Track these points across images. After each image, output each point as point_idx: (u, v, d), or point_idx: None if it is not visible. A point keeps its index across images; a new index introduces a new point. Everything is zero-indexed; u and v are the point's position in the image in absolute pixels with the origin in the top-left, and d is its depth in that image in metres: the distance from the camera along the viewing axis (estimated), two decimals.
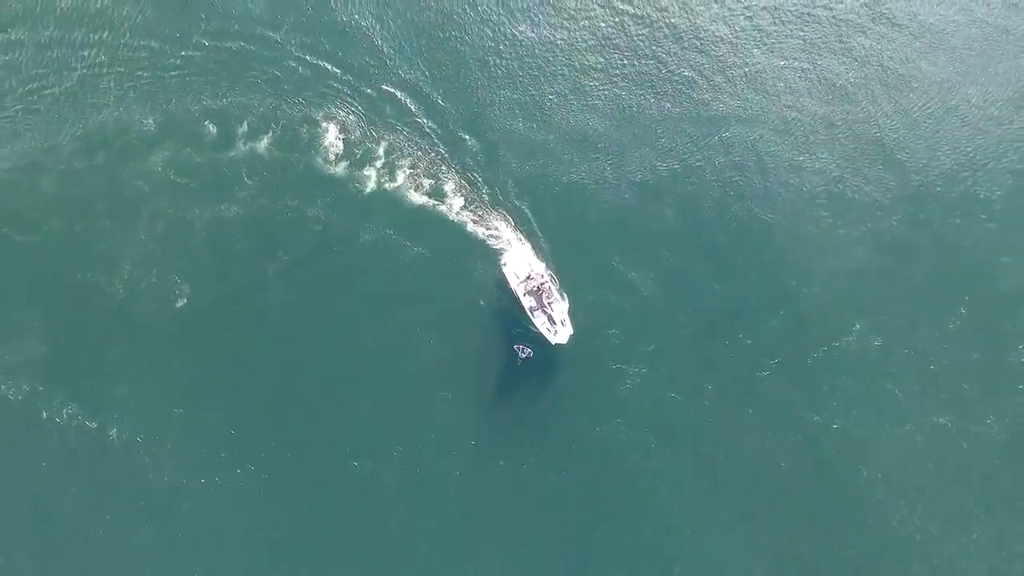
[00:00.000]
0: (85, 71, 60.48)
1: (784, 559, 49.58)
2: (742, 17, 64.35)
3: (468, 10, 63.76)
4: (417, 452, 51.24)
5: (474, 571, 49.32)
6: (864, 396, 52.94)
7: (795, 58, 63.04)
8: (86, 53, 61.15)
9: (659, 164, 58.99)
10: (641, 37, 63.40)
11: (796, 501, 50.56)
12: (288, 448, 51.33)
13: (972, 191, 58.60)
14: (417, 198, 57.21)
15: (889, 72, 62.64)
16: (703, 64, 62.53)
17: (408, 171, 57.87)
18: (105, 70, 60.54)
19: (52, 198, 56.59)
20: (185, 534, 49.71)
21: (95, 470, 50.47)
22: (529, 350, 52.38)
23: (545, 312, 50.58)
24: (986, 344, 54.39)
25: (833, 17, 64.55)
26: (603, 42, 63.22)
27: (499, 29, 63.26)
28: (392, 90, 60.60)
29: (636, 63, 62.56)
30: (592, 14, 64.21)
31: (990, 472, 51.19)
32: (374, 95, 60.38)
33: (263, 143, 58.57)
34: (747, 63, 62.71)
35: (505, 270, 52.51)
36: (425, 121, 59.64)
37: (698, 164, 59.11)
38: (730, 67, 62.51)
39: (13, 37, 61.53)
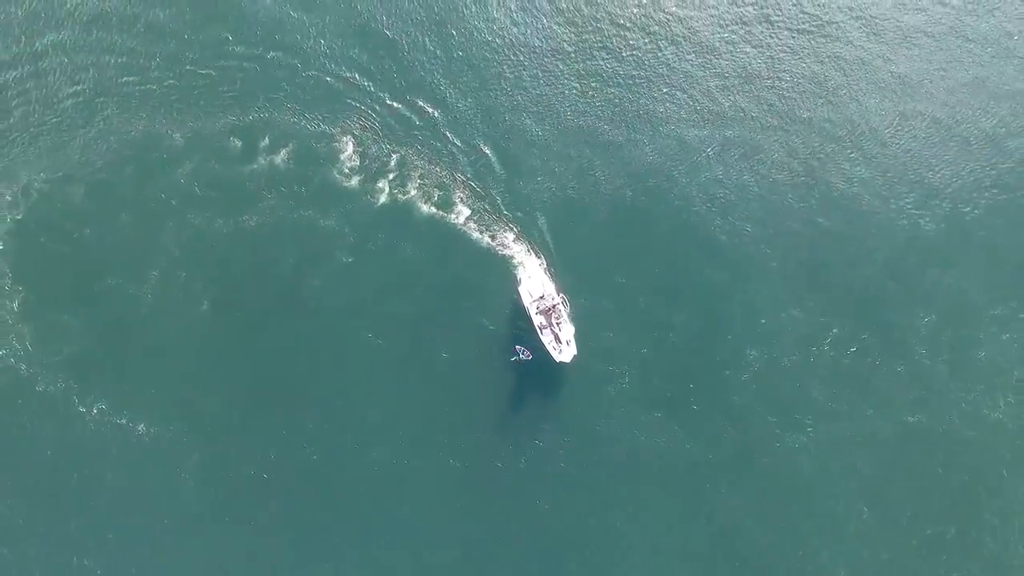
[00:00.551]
0: (118, 87, 64.00)
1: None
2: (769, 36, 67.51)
3: (482, 28, 66.87)
4: (418, 449, 53.89)
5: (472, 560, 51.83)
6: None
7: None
8: (118, 70, 64.78)
9: (665, 175, 62.02)
10: (651, 53, 66.35)
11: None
12: (301, 442, 54.07)
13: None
14: (427, 208, 60.06)
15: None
16: (705, 79, 65.42)
17: (419, 183, 60.74)
18: (137, 87, 64.06)
19: (85, 209, 59.93)
20: (206, 523, 52.33)
21: (124, 461, 53.28)
22: (528, 353, 55.18)
23: (553, 331, 53.83)
24: None
25: (822, 31, 67.16)
26: (610, 58, 66.15)
27: (509, 45, 66.37)
28: (405, 104, 63.86)
29: (642, 76, 65.40)
30: (599, 32, 67.09)
31: None
32: (388, 110, 63.51)
33: (282, 156, 61.64)
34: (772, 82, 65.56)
35: (520, 288, 55.91)
36: (436, 135, 62.74)
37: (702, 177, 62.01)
38: (739, 85, 65.33)
39: (47, 53, 65.14)
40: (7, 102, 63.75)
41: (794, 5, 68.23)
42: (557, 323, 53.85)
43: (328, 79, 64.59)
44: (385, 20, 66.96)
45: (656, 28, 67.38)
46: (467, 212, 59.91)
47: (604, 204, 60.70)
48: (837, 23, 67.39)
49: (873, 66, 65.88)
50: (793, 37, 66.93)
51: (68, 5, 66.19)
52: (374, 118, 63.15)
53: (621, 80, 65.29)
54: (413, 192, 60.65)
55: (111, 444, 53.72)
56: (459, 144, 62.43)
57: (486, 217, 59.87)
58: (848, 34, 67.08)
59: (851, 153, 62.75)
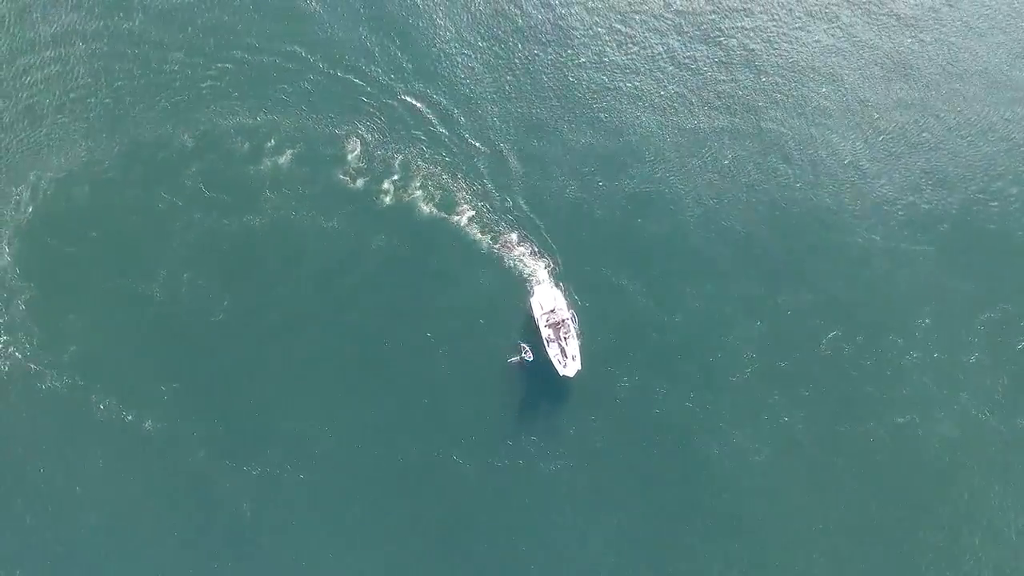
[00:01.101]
0: (126, 85, 64.89)
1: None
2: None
3: (484, 31, 67.91)
4: (419, 449, 54.52)
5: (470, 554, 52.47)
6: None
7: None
8: (127, 68, 65.72)
9: (670, 177, 62.74)
10: (656, 54, 67.41)
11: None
12: (304, 439, 54.65)
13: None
14: (431, 210, 60.72)
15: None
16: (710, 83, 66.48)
17: (425, 184, 61.43)
18: (145, 84, 64.98)
19: (92, 208, 60.57)
20: (215, 521, 52.95)
21: (132, 457, 53.88)
22: (530, 353, 55.87)
23: (560, 345, 54.74)
24: None
25: (818, 42, 68.31)
26: (614, 62, 67.18)
27: (515, 49, 67.34)
28: (411, 105, 64.55)
29: (647, 81, 66.31)
30: (605, 35, 68.21)
31: None
32: (394, 111, 64.23)
33: (288, 158, 62.31)
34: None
35: (532, 299, 56.89)
36: (442, 136, 63.47)
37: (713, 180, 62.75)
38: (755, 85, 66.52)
39: (54, 51, 66.07)
40: (13, 100, 64.45)
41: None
42: (564, 338, 54.86)
43: (337, 78, 65.41)
44: (393, 17, 67.99)
45: (656, 22, 68.58)
46: (471, 213, 60.63)
47: (608, 203, 61.44)
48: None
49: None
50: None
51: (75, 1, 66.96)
52: (381, 118, 63.91)
53: (634, 78, 66.44)
54: (418, 193, 61.37)
55: (118, 441, 54.22)
56: (465, 145, 63.19)
57: (490, 218, 60.59)
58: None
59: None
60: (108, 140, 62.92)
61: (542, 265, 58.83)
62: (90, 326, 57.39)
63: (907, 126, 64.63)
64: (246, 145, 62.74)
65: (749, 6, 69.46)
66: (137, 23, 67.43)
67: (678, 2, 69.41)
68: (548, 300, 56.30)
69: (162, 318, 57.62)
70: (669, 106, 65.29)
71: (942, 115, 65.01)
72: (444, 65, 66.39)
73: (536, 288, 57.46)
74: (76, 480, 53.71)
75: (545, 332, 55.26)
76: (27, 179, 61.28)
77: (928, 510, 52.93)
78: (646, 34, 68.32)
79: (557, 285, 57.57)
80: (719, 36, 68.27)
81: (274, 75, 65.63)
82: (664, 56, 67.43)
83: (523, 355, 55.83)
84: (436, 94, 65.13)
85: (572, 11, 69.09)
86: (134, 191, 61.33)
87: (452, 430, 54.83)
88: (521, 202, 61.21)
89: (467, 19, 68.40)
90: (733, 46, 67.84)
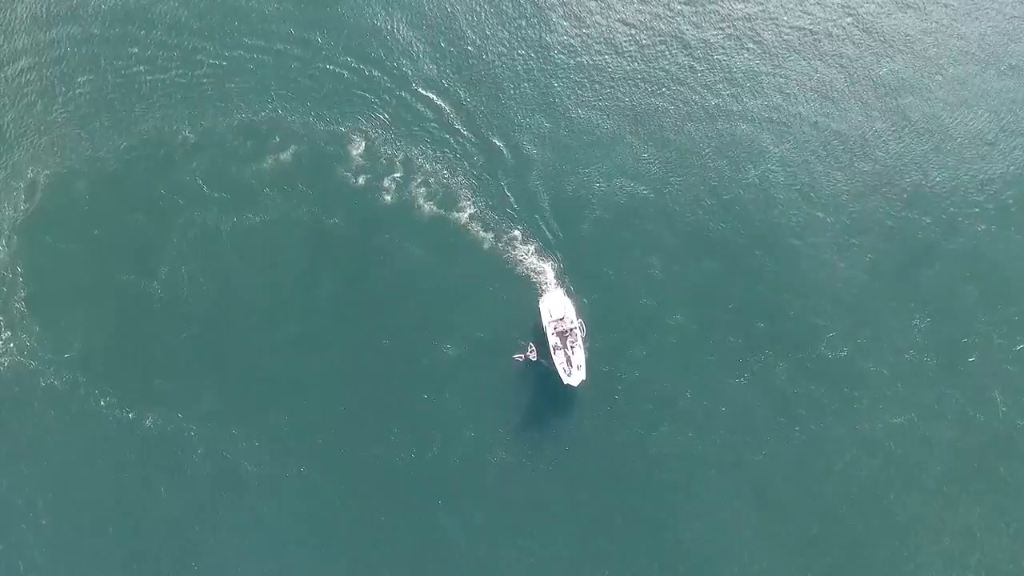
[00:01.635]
0: (129, 80, 64.94)
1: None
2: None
3: (496, 28, 67.95)
4: (420, 443, 54.48)
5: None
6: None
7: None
8: (129, 62, 65.73)
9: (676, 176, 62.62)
10: (670, 55, 67.39)
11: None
12: (304, 436, 54.60)
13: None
14: (433, 207, 60.56)
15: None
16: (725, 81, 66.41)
17: (426, 181, 61.32)
18: (147, 79, 65.01)
19: (93, 205, 60.54)
20: (213, 518, 52.83)
21: (131, 454, 53.85)
22: (535, 354, 55.68)
23: (566, 353, 54.76)
24: None
25: (822, 29, 68.24)
26: (622, 57, 67.18)
27: (523, 43, 67.37)
28: (415, 101, 64.52)
29: (653, 77, 66.29)
30: (610, 31, 68.21)
31: None
32: (398, 107, 64.18)
33: (290, 154, 62.20)
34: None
35: (541, 305, 56.82)
36: (445, 132, 63.40)
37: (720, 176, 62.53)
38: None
39: (56, 45, 66.02)
40: (14, 95, 64.29)
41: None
42: (571, 346, 54.82)
43: (341, 73, 65.39)
44: (397, 10, 68.03)
45: (662, 22, 68.50)
46: (474, 210, 60.53)
47: (614, 203, 61.30)
48: None
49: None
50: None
51: None
52: (385, 115, 63.83)
53: (641, 80, 66.34)
54: (421, 190, 61.27)
55: (118, 438, 54.16)
56: (468, 142, 63.10)
57: (493, 215, 60.48)
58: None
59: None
60: (109, 136, 62.84)
61: (548, 266, 58.79)
62: (90, 323, 57.33)
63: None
64: (248, 142, 62.71)
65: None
66: (138, 17, 67.33)
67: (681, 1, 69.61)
68: (558, 308, 56.22)
69: (162, 315, 57.52)
70: (678, 105, 65.23)
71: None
72: (449, 61, 66.35)
73: (546, 294, 57.45)
74: (76, 478, 53.61)
75: (552, 340, 55.25)
76: (27, 175, 61.21)
77: None
78: (653, 31, 68.27)
79: (568, 292, 57.49)
80: (729, 30, 68.34)
81: (277, 70, 65.59)
82: (672, 52, 67.43)
83: (528, 353, 55.75)
84: (440, 90, 65.09)
85: (579, 8, 68.93)
86: (135, 188, 61.24)
87: (452, 428, 54.76)
88: (526, 199, 61.15)
89: (473, 15, 68.40)
90: (741, 37, 68.18)
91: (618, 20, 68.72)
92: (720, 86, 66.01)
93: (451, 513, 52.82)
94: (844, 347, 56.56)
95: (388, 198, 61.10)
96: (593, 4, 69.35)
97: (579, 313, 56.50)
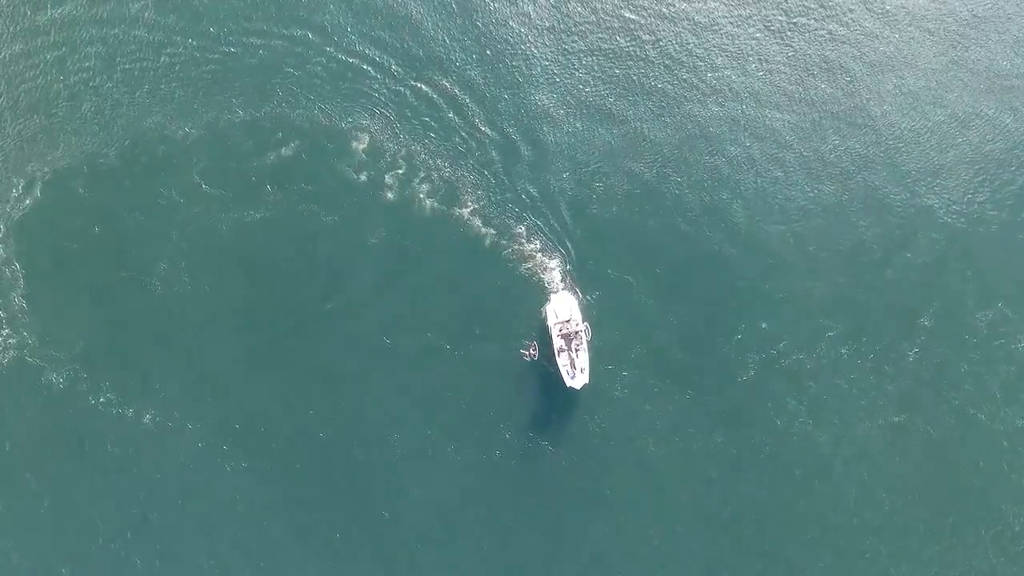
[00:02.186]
0: (129, 74, 64.45)
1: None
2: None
3: (503, 20, 67.71)
4: (420, 446, 54.29)
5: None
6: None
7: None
8: (129, 55, 65.27)
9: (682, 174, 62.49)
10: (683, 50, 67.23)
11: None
12: (304, 435, 54.38)
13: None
14: (437, 204, 60.23)
15: None
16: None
17: (430, 177, 60.98)
18: (148, 73, 64.51)
19: (93, 202, 60.11)
20: (209, 516, 52.68)
21: (131, 452, 53.62)
22: (535, 352, 55.57)
23: (570, 356, 54.57)
24: None
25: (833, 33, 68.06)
26: (634, 53, 67.08)
27: (527, 38, 66.95)
28: (419, 95, 64.11)
29: (661, 70, 66.27)
30: (618, 25, 68.06)
31: None
32: (402, 101, 63.73)
33: (291, 151, 61.81)
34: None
35: (548, 307, 56.59)
36: (450, 128, 62.98)
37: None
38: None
39: (55, 39, 65.54)
40: (11, 89, 63.92)
41: None
42: (576, 349, 54.61)
43: (345, 66, 64.97)
44: (408, 6, 67.70)
45: (668, 11, 68.30)
46: (478, 206, 60.17)
47: (621, 200, 61.13)
48: None
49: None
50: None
51: None
52: (388, 110, 63.40)
53: (654, 70, 66.39)
54: (425, 187, 60.91)
55: (117, 435, 53.91)
56: (473, 138, 62.69)
57: (498, 212, 60.14)
58: None
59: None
60: (109, 132, 62.37)
61: (554, 264, 58.51)
62: (90, 320, 56.98)
63: None
64: (249, 138, 62.27)
65: None
66: (138, 7, 66.86)
67: None
68: (564, 310, 55.98)
69: (162, 312, 57.22)
70: (687, 96, 65.10)
71: None
72: (456, 53, 65.92)
73: (553, 296, 57.16)
74: (75, 475, 53.35)
75: (557, 342, 55.06)
76: (26, 171, 60.85)
77: None
78: (661, 23, 68.04)
79: (574, 294, 57.22)
80: (737, 25, 68.12)
81: (280, 63, 65.10)
82: (681, 44, 67.26)
83: (531, 351, 55.48)
84: (445, 83, 64.63)
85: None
86: (135, 184, 60.80)
87: (451, 426, 54.57)
88: (530, 195, 60.78)
89: (479, 8, 67.88)
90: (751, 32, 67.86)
91: (626, 10, 68.33)
92: (733, 76, 66.01)
93: (451, 511, 52.73)
94: (843, 348, 56.52)
95: (391, 195, 60.74)
96: None
97: (584, 313, 56.19)
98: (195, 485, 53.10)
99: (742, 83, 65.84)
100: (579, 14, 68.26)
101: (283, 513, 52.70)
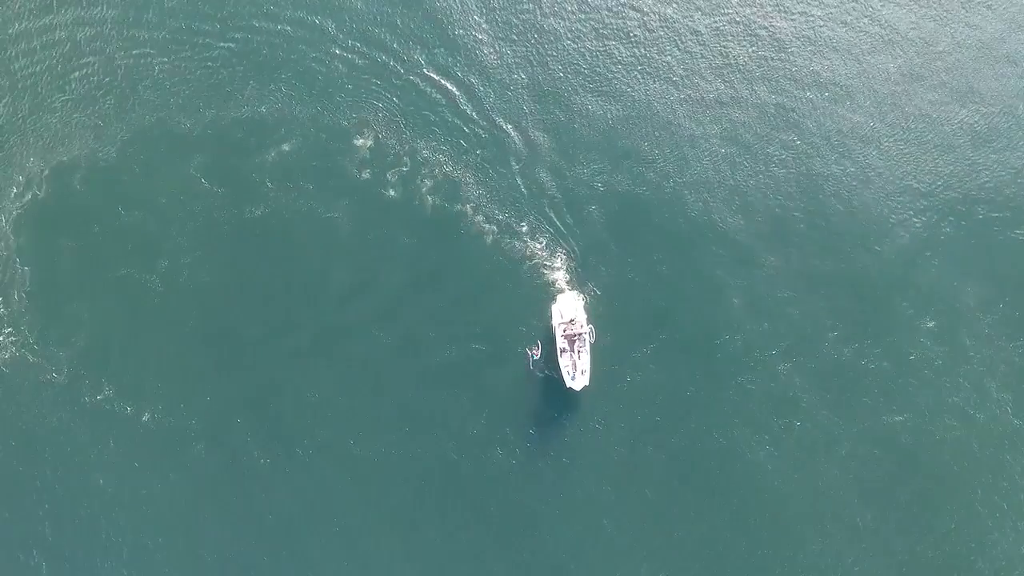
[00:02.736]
0: (130, 69, 64.29)
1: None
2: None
3: (508, 15, 67.42)
4: (420, 445, 54.11)
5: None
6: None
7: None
8: (131, 49, 65.13)
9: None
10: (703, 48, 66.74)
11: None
12: (304, 432, 54.15)
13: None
14: (440, 201, 59.88)
15: None
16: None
17: (433, 173, 60.62)
18: (149, 67, 64.34)
19: (92, 200, 60.05)
20: (213, 516, 52.49)
21: (130, 450, 53.50)
22: (537, 353, 55.20)
23: (572, 358, 54.39)
24: None
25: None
26: (633, 44, 66.63)
27: (533, 34, 66.55)
28: (423, 91, 63.79)
29: (670, 61, 65.81)
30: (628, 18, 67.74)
31: None
32: (405, 97, 63.46)
33: (293, 147, 61.55)
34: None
35: (553, 307, 56.39)
36: (453, 125, 62.59)
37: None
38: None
39: (55, 33, 65.48)
40: (11, 83, 63.85)
41: None
42: (578, 351, 54.45)
43: (348, 64, 64.68)
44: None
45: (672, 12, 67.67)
46: (482, 204, 59.86)
47: (626, 198, 60.66)
48: None
49: None
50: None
51: None
52: (392, 105, 63.05)
53: (658, 57, 66.06)
54: (428, 184, 60.53)
55: (117, 433, 53.78)
56: (476, 135, 62.28)
57: (502, 210, 59.78)
58: None
59: None
60: (109, 128, 62.22)
61: (558, 263, 58.19)
62: (90, 318, 56.84)
63: None
64: (251, 134, 62.08)
65: None
66: (139, 3, 66.60)
67: None
68: (569, 311, 55.71)
69: (162, 310, 57.05)
70: (690, 94, 64.57)
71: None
72: (460, 48, 65.49)
73: (560, 296, 56.93)
74: (75, 473, 53.26)
75: (560, 342, 54.86)
76: (26, 168, 60.76)
77: None
78: (664, 17, 67.56)
79: (580, 295, 56.88)
80: (746, 21, 67.77)
81: (283, 56, 64.94)
82: (692, 35, 66.80)
83: (535, 351, 55.23)
84: (450, 79, 64.30)
85: None
86: (135, 182, 60.65)
87: (452, 427, 54.35)
88: (535, 193, 60.40)
89: (484, 2, 67.63)
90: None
91: (630, 6, 67.86)
92: (736, 75, 65.50)
93: (448, 509, 52.64)
94: (845, 349, 56.07)
95: (393, 192, 60.43)
96: None
97: (590, 315, 55.92)
98: (195, 485, 52.90)
99: (753, 76, 65.30)
100: (584, 9, 67.89)
101: (283, 512, 52.48)
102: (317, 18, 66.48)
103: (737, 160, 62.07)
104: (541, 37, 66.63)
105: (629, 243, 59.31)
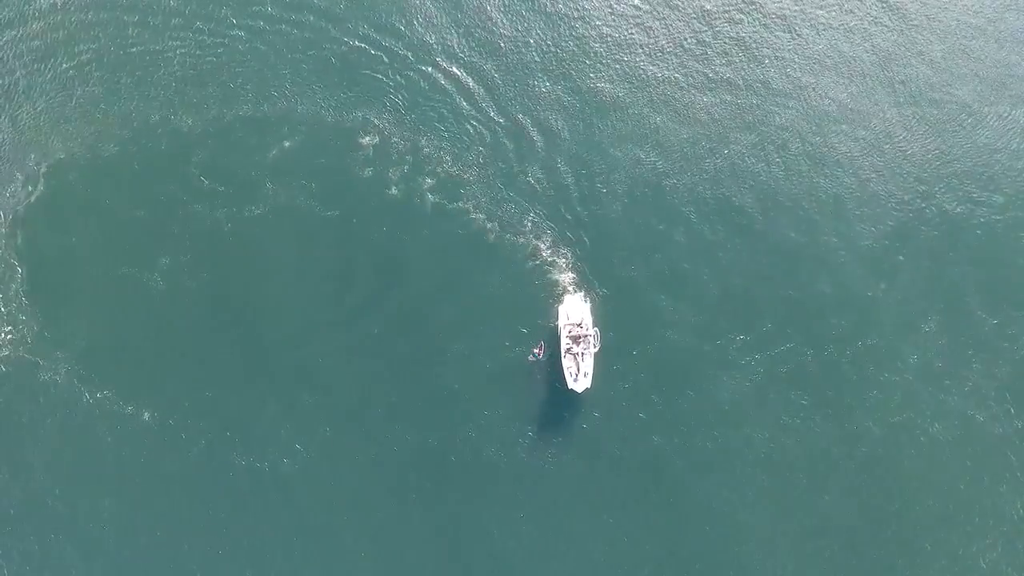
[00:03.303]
0: (131, 64, 63.96)
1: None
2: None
3: (515, 6, 67.37)
4: (419, 440, 54.07)
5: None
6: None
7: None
8: (132, 43, 64.84)
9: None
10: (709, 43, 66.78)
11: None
12: (304, 430, 54.06)
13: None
14: (442, 199, 59.72)
15: None
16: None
17: (435, 172, 60.47)
18: (149, 61, 64.07)
19: (93, 198, 59.71)
20: (212, 515, 52.39)
21: (130, 449, 53.29)
22: (541, 353, 55.13)
23: (575, 359, 54.45)
24: None
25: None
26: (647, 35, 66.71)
27: (538, 30, 66.49)
28: (426, 89, 63.62)
29: (677, 63, 65.86)
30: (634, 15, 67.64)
31: None
32: (409, 94, 63.29)
33: (295, 145, 61.29)
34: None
35: (560, 308, 56.46)
36: (456, 123, 62.41)
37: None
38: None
39: (55, 27, 65.02)
40: (10, 80, 63.37)
41: None
42: (582, 353, 54.59)
43: (352, 61, 64.43)
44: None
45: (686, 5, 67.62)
46: (484, 202, 59.66)
47: (629, 199, 60.68)
48: None
49: None
50: None
51: None
52: (396, 104, 62.85)
53: (662, 58, 66.09)
54: (430, 182, 60.34)
55: (117, 432, 53.57)
56: (479, 133, 62.08)
57: (505, 208, 59.65)
58: None
59: None
60: (110, 125, 61.83)
61: (562, 262, 58.01)
62: (90, 317, 56.55)
63: None
64: (253, 132, 61.77)
65: None
66: None
67: None
68: (575, 313, 55.89)
69: (163, 309, 56.79)
70: (702, 84, 64.76)
71: None
72: (467, 41, 65.42)
73: (567, 297, 56.96)
74: (74, 472, 53.05)
75: (565, 343, 54.99)
76: (26, 165, 60.39)
77: None
78: (678, 15, 67.65)
79: (587, 298, 56.79)
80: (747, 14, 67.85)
81: (285, 52, 64.58)
82: (695, 28, 66.96)
83: (539, 352, 55.21)
84: (456, 74, 64.18)
85: None
86: (136, 179, 60.29)
87: (451, 426, 54.29)
88: (539, 192, 60.31)
89: None
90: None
91: (630, 7, 67.79)
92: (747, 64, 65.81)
93: (445, 507, 52.67)
94: (847, 350, 56.23)
95: (395, 190, 60.19)
96: None
97: (595, 318, 55.82)
98: (195, 484, 52.76)
99: (758, 75, 65.33)
100: (591, 5, 67.68)
101: (283, 511, 52.38)
102: (318, 16, 66.18)
103: (749, 160, 62.07)
104: (546, 35, 66.42)
105: (633, 244, 59.15)
